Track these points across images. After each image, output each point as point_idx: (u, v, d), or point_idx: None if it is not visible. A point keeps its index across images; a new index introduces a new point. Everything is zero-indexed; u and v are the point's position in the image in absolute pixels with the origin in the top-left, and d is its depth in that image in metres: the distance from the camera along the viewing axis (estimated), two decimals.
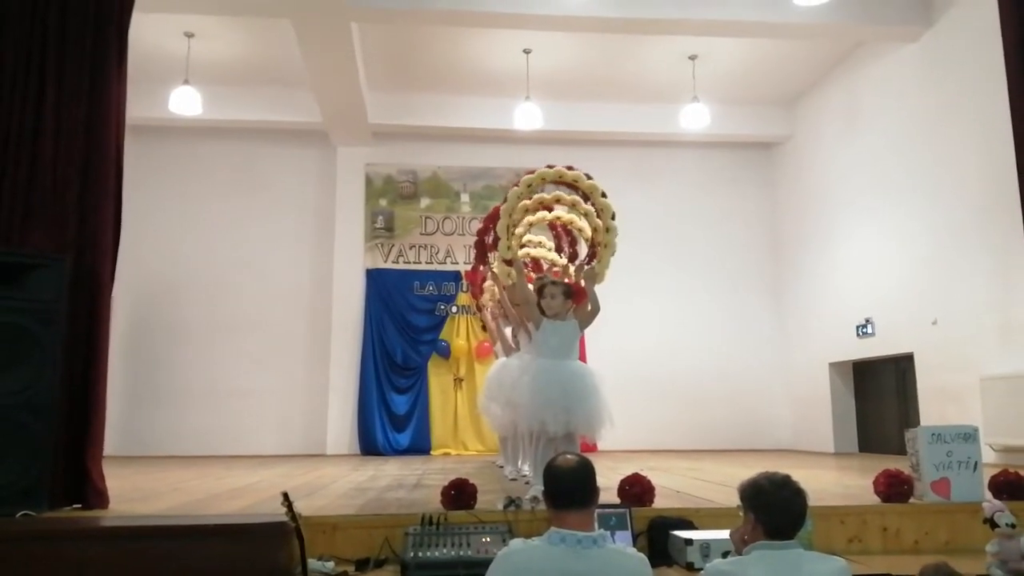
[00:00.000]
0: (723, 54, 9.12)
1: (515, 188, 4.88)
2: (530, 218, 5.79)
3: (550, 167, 4.93)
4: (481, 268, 6.84)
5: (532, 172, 4.92)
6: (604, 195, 4.83)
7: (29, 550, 3.10)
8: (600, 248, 4.81)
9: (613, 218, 4.77)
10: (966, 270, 7.31)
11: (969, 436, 4.00)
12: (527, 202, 5.26)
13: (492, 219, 6.81)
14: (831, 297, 9.61)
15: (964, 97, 7.39)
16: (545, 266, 6.58)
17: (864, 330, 8.88)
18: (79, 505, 4.00)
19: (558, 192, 5.54)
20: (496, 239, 5.55)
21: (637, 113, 10.35)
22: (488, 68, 9.44)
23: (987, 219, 7.05)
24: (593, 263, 4.80)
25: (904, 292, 8.18)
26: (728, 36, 8.42)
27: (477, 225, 7.12)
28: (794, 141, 10.69)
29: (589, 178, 4.90)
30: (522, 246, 6.47)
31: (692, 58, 9.18)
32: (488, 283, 6.81)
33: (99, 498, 4.01)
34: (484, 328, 8.42)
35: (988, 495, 3.89)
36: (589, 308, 4.42)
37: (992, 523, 3.00)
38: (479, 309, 7.75)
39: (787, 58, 9.37)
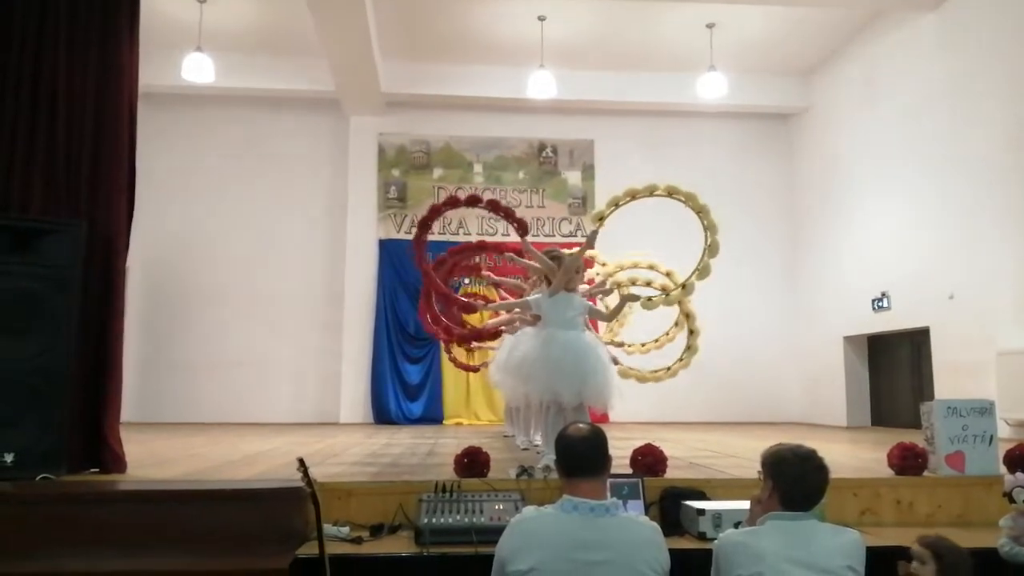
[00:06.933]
0: (741, 22, 8.96)
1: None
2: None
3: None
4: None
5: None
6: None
7: (49, 512, 3.15)
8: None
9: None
10: (983, 245, 7.22)
11: (985, 410, 3.98)
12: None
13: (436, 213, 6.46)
14: (847, 270, 9.53)
15: (982, 68, 7.23)
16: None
17: (880, 304, 8.81)
18: (97, 469, 4.05)
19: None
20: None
21: (653, 82, 10.22)
22: (502, 36, 9.32)
23: (1006, 193, 6.94)
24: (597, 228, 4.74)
25: (921, 266, 8.10)
26: (746, 4, 8.27)
27: (489, 195, 6.99)
28: (812, 112, 10.53)
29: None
30: None
31: (710, 26, 9.02)
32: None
33: (117, 463, 4.05)
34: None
35: (1003, 469, 3.87)
36: (605, 313, 5.23)
37: (1010, 498, 2.97)
38: (478, 297, 7.62)
39: (805, 27, 9.20)
